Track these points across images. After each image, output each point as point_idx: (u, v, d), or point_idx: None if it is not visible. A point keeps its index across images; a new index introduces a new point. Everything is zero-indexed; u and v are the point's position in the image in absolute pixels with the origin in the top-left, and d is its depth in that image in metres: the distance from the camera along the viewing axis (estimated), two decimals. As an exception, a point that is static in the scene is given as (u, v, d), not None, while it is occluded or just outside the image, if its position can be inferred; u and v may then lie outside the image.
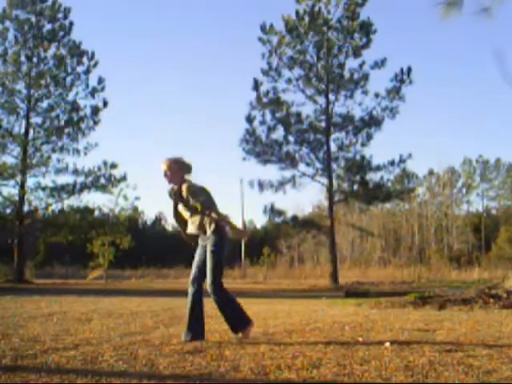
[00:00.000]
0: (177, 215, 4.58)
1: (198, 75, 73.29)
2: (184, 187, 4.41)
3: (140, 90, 74.17)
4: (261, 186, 20.87)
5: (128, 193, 23.20)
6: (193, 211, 4.40)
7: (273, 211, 21.26)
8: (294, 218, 22.22)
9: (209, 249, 4.33)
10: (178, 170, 4.48)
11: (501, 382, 2.96)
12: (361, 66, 20.66)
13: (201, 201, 4.34)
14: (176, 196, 4.49)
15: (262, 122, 20.91)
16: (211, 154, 67.20)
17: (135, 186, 23.43)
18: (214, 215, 4.32)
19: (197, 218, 4.41)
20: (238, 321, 4.40)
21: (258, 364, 3.40)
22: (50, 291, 13.94)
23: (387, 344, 4.18)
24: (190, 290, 4.42)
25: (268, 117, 20.92)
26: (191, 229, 4.50)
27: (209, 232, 4.36)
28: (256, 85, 20.76)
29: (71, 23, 22.74)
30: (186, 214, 4.48)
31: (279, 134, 21.06)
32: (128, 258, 29.79)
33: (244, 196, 33.93)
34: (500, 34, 46.83)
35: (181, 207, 4.50)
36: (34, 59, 22.31)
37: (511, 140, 65.93)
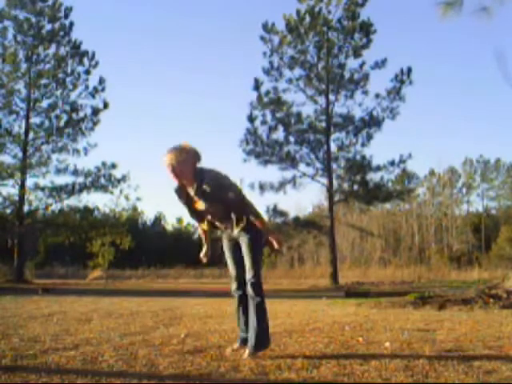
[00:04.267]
0: (195, 214, 3.84)
1: (199, 75, 73.34)
2: (207, 182, 3.61)
3: (140, 90, 74.16)
4: (261, 187, 20.86)
5: (129, 193, 23.19)
6: (224, 208, 3.68)
7: (275, 212, 21.27)
8: (296, 218, 22.21)
9: (246, 238, 3.68)
10: (188, 160, 3.65)
11: (501, 382, 2.96)
12: (361, 66, 20.66)
13: (230, 198, 3.63)
14: (197, 192, 3.66)
15: (263, 122, 20.91)
16: (211, 154, 67.09)
17: (137, 186, 23.47)
18: (250, 215, 3.68)
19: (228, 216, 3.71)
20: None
21: (258, 364, 3.40)
22: (50, 291, 13.93)
23: (387, 344, 4.18)
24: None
25: (268, 117, 20.93)
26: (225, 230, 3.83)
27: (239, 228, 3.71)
28: (257, 84, 20.76)
29: (71, 23, 22.74)
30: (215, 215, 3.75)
31: (279, 134, 21.08)
32: (128, 257, 29.78)
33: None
34: (501, 34, 46.83)
35: (202, 205, 3.72)
36: (34, 59, 22.32)
37: (511, 140, 65.95)
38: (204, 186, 3.60)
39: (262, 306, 3.66)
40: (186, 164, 3.62)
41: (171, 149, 3.67)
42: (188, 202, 3.76)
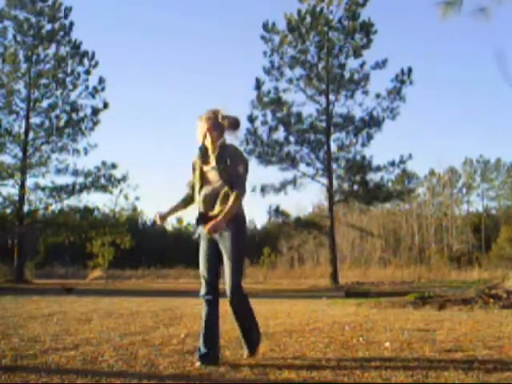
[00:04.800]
0: (194, 186, 3.69)
1: (199, 75, 73.31)
2: (224, 147, 3.60)
3: (140, 90, 74.10)
4: (263, 189, 20.86)
5: (129, 193, 23.18)
6: (225, 182, 3.53)
7: (277, 212, 21.28)
8: (297, 219, 22.22)
9: (229, 240, 3.50)
10: (217, 123, 3.61)
11: (501, 382, 2.96)
12: (361, 66, 20.67)
13: (237, 172, 3.52)
14: (216, 154, 3.59)
15: (264, 122, 20.91)
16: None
17: (136, 186, 23.42)
18: (236, 199, 3.47)
19: (221, 193, 3.53)
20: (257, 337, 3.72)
21: (258, 364, 3.40)
22: (50, 291, 13.93)
23: (387, 344, 4.18)
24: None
25: (269, 117, 20.93)
26: (206, 206, 3.57)
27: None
28: (258, 84, 20.75)
29: (71, 23, 22.74)
30: (214, 183, 3.57)
31: (280, 134, 21.09)
32: (128, 257, 29.76)
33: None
34: (501, 34, 46.84)
35: (210, 173, 3.62)
36: (34, 59, 22.32)
37: (511, 140, 65.93)
38: (227, 150, 3.58)
39: (252, 312, 3.66)
40: (213, 125, 3.60)
41: (207, 110, 3.68)
42: (202, 164, 3.68)
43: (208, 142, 3.62)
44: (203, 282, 3.58)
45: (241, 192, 3.50)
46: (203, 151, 3.67)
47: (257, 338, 3.69)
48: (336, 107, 20.99)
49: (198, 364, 3.40)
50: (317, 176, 21.28)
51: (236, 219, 3.51)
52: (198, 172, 3.67)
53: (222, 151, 3.58)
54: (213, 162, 3.61)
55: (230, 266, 3.47)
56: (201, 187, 3.64)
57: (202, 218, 3.56)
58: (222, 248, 3.53)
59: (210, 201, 3.57)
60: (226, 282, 3.51)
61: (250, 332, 3.65)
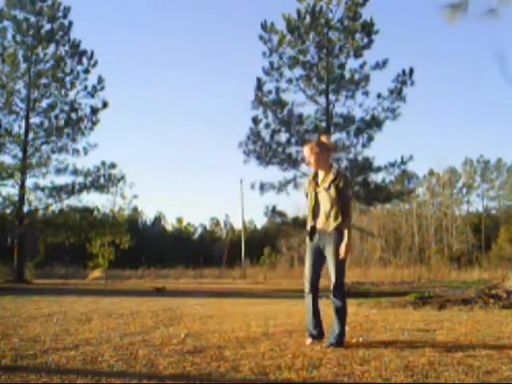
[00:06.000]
0: (315, 207, 4.37)
1: (199, 74, 73.31)
2: (335, 174, 4.30)
3: (140, 90, 74.08)
4: (262, 188, 20.79)
5: (125, 191, 23.17)
6: (335, 203, 4.22)
7: (274, 213, 21.22)
8: (295, 218, 22.17)
9: (334, 248, 4.19)
10: (321, 152, 4.34)
11: (501, 382, 2.96)
12: (362, 66, 20.63)
13: (347, 196, 4.29)
14: (327, 178, 4.30)
15: (265, 123, 20.83)
16: (211, 154, 67.24)
17: (132, 184, 23.37)
18: (345, 221, 4.20)
19: (334, 213, 4.23)
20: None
21: (258, 364, 3.40)
22: (50, 291, 13.93)
23: (386, 344, 4.17)
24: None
25: (270, 117, 20.86)
26: (322, 223, 4.29)
27: (332, 229, 4.22)
28: (259, 84, 20.71)
29: (70, 22, 22.71)
30: (325, 204, 4.27)
31: (281, 134, 21.03)
32: (128, 257, 29.75)
33: (244, 196, 33.94)
34: (501, 34, 46.80)
35: (322, 196, 4.31)
36: (33, 59, 22.32)
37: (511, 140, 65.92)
38: (338, 176, 4.26)
39: (344, 309, 4.26)
40: (321, 154, 4.30)
41: (311, 141, 4.52)
42: (315, 186, 4.37)
43: (318, 169, 4.37)
44: (306, 282, 4.35)
45: (347, 211, 4.22)
46: (315, 176, 4.41)
47: (342, 332, 4.18)
48: (336, 107, 20.97)
49: (309, 341, 4.21)
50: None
51: (339, 230, 4.19)
52: (311, 195, 4.39)
53: (327, 175, 4.29)
54: (324, 184, 4.30)
55: (334, 269, 4.24)
56: (315, 206, 4.35)
57: (313, 231, 4.32)
58: (328, 254, 4.23)
59: (321, 217, 4.28)
60: (331, 281, 4.26)
61: (339, 324, 4.19)
